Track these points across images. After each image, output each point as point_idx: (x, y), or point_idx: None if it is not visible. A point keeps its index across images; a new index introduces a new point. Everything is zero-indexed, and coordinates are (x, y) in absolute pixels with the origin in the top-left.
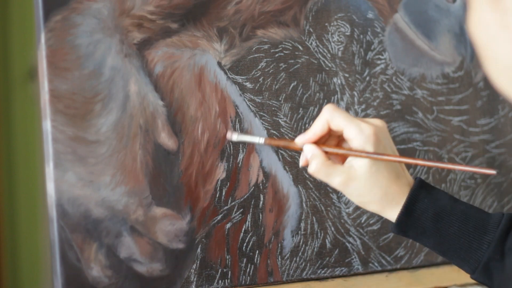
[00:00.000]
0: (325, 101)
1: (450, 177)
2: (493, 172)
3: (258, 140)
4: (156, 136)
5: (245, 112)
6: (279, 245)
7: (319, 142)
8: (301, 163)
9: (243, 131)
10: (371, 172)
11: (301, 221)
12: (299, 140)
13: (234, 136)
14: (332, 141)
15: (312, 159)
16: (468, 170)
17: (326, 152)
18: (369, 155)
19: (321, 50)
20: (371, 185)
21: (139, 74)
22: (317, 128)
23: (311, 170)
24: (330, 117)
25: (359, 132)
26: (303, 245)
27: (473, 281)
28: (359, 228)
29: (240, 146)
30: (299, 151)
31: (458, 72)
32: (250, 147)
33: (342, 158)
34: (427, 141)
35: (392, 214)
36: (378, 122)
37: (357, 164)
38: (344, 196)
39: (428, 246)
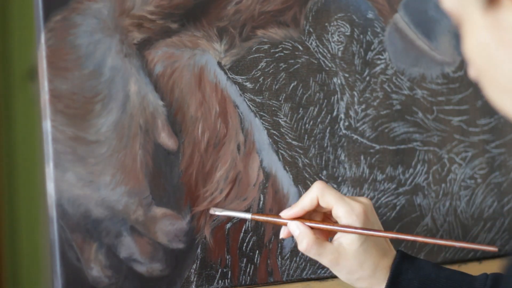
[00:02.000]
0: (325, 101)
1: (450, 177)
2: (494, 249)
3: (244, 215)
4: (156, 136)
5: (245, 112)
6: (279, 245)
7: (304, 216)
8: (282, 235)
9: (243, 131)
10: (360, 251)
11: None
12: (285, 214)
13: (218, 211)
14: (316, 216)
15: (302, 238)
16: (466, 247)
17: (311, 227)
18: (357, 230)
19: (321, 50)
20: (361, 263)
21: (139, 74)
22: (305, 203)
23: (302, 248)
24: (321, 194)
25: (349, 210)
26: None
27: None
28: None
29: (241, 146)
30: (298, 151)
31: (458, 72)
32: (250, 148)
33: (326, 234)
34: (427, 141)
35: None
36: (365, 200)
37: (346, 242)
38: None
39: None
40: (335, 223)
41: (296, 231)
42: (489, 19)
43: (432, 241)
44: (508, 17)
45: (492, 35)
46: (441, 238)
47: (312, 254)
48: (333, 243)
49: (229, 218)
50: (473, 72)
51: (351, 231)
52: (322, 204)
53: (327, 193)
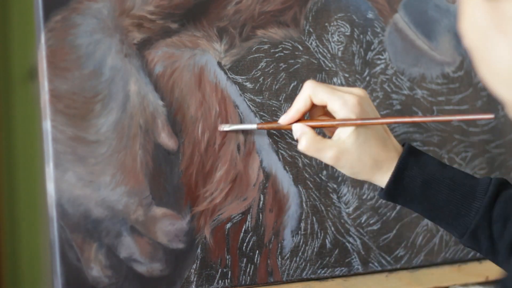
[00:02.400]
0: None
1: None
2: (491, 116)
3: (250, 126)
4: (156, 136)
5: (245, 112)
6: (279, 245)
7: (302, 117)
8: (295, 137)
9: (243, 131)
10: (359, 142)
11: (301, 221)
12: (283, 119)
13: (226, 127)
14: (318, 111)
15: (301, 136)
16: (463, 119)
17: (313, 126)
18: (356, 121)
19: (321, 50)
20: (361, 155)
21: (139, 74)
22: (299, 105)
23: (301, 147)
24: (313, 92)
25: (343, 103)
26: (303, 245)
27: (473, 281)
28: (359, 228)
29: (241, 146)
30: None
31: (458, 72)
32: (250, 148)
33: (331, 130)
34: (427, 141)
35: (381, 180)
36: (359, 91)
37: (344, 135)
38: (344, 196)
39: (417, 212)
40: (334, 118)
41: (297, 133)
42: (488, 4)
43: (428, 119)
44: (508, 7)
45: (490, 21)
46: (436, 115)
47: (312, 151)
48: (332, 139)
49: (229, 218)
50: (466, 44)
51: (347, 123)
52: (316, 101)
53: (318, 90)
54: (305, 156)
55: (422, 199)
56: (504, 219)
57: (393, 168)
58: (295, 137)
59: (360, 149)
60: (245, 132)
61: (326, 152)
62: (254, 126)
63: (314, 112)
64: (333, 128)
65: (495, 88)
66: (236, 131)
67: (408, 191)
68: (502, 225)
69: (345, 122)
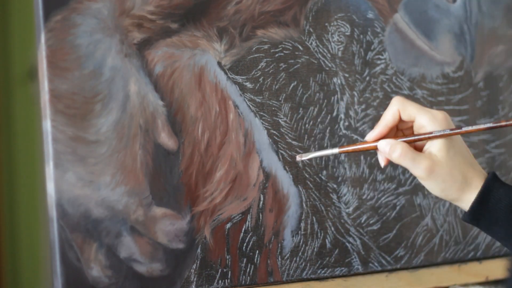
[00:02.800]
0: (325, 101)
1: None
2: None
3: (332, 151)
4: (156, 136)
5: (245, 112)
6: (279, 245)
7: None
8: (382, 163)
9: (244, 129)
10: (450, 155)
11: (301, 221)
12: (370, 136)
13: (304, 156)
14: (399, 132)
15: (394, 147)
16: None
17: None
18: (449, 132)
19: (321, 50)
20: (452, 169)
21: (139, 74)
22: (388, 119)
23: (396, 155)
24: (402, 107)
25: (432, 118)
26: (303, 245)
27: (473, 281)
28: (359, 228)
29: (241, 146)
30: (298, 151)
31: (458, 72)
32: (250, 148)
33: (416, 149)
34: None
35: (468, 200)
36: (443, 112)
37: (435, 149)
38: (344, 196)
39: (499, 236)
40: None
41: (387, 146)
42: None
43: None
44: None
45: None
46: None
47: (407, 160)
48: (424, 152)
49: (229, 218)
50: None
51: (439, 135)
52: (404, 116)
53: (408, 105)
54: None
55: (506, 222)
56: None
57: (480, 187)
58: (384, 154)
59: (451, 162)
60: (245, 132)
61: (421, 162)
62: (336, 151)
63: (397, 133)
64: (419, 148)
65: None
66: (235, 132)
67: (493, 212)
68: None
69: (436, 135)
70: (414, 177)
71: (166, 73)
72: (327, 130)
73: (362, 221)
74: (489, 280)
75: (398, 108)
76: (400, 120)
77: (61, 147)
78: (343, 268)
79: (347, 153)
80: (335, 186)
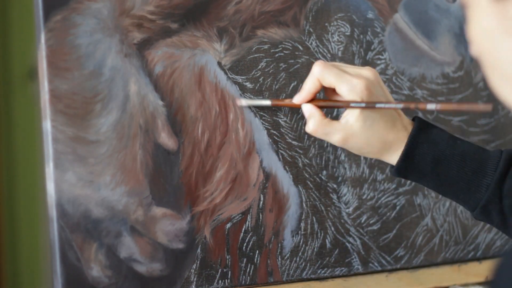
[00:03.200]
0: None
1: None
2: (487, 108)
3: (265, 102)
4: (156, 136)
5: (245, 112)
6: (279, 245)
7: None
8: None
9: (244, 129)
10: (366, 125)
11: (301, 221)
12: (296, 99)
13: (243, 102)
14: (333, 91)
15: (309, 118)
16: (463, 108)
17: (322, 106)
18: (363, 105)
19: (321, 50)
20: (369, 137)
21: (139, 74)
22: (309, 86)
23: (309, 129)
24: (321, 75)
25: (351, 88)
26: (303, 245)
27: (473, 281)
28: (359, 228)
29: (241, 145)
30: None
31: (458, 72)
32: (250, 148)
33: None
34: None
35: (391, 159)
36: (369, 73)
37: (352, 119)
38: (344, 196)
39: (428, 187)
40: (343, 100)
41: (307, 113)
42: (496, 7)
43: (431, 106)
44: None
45: (497, 23)
46: (439, 102)
47: (320, 133)
48: (340, 122)
49: (229, 218)
50: (474, 51)
51: (353, 106)
52: (325, 84)
53: (326, 73)
54: (305, 156)
55: (433, 176)
56: None
57: (403, 147)
58: (305, 117)
59: (368, 132)
60: (245, 132)
61: (334, 135)
62: (268, 102)
63: (329, 91)
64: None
65: (504, 93)
66: (235, 132)
67: (418, 168)
68: None
69: (353, 105)
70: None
71: (166, 73)
72: None
73: (362, 221)
74: (489, 280)
75: (317, 77)
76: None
77: (61, 147)
78: (343, 268)
79: (278, 106)
80: (335, 186)
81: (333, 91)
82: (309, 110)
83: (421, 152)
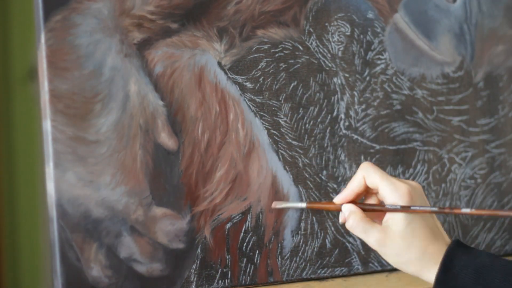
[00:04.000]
0: (325, 101)
1: (450, 177)
2: None
3: (301, 205)
4: (156, 136)
5: (245, 112)
6: (279, 245)
7: (358, 199)
8: (340, 220)
9: (243, 129)
10: (407, 231)
11: (301, 221)
12: (338, 199)
13: (277, 205)
14: (371, 200)
15: (350, 215)
16: (498, 215)
17: (364, 210)
18: (398, 208)
19: (321, 50)
20: (408, 245)
21: (139, 74)
22: (353, 184)
23: (349, 225)
24: (366, 173)
25: (393, 189)
26: (303, 245)
27: None
28: None
29: (241, 145)
30: (298, 151)
31: (458, 72)
32: (250, 148)
33: (381, 218)
34: (427, 141)
35: (430, 275)
36: (414, 183)
37: (392, 223)
38: None
39: None
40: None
41: (347, 212)
42: None
43: (486, 212)
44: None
45: None
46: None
47: (359, 231)
48: (381, 224)
49: (229, 218)
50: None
51: (390, 209)
52: (369, 184)
53: (372, 172)
54: (305, 156)
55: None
56: None
57: (441, 259)
58: (344, 217)
59: (408, 239)
60: (245, 132)
61: (373, 234)
62: (303, 205)
63: (368, 198)
64: (383, 217)
65: None
66: (235, 132)
67: (459, 280)
68: None
69: (393, 208)
70: (414, 178)
71: (166, 73)
72: (327, 130)
73: None
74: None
75: (363, 174)
76: (368, 191)
77: (61, 147)
78: (343, 268)
79: (313, 209)
80: (335, 186)
81: (373, 200)
82: (349, 208)
83: (461, 263)
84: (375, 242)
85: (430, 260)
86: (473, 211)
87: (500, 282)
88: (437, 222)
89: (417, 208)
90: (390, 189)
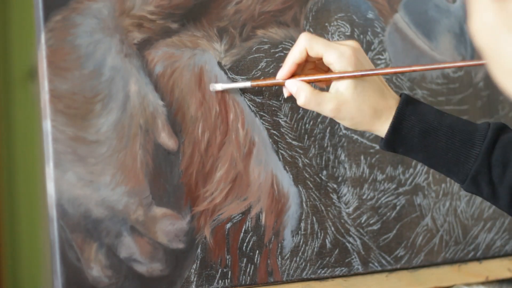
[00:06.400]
0: None
1: None
2: (482, 62)
3: (244, 84)
4: (156, 136)
5: (245, 112)
6: (279, 245)
7: (297, 70)
8: (285, 94)
9: (243, 129)
10: (357, 92)
11: (301, 221)
12: (280, 74)
13: (218, 86)
14: (308, 66)
15: (299, 92)
16: (454, 66)
17: (307, 81)
18: (354, 73)
19: None
20: (360, 105)
21: (139, 74)
22: (295, 56)
23: (301, 102)
24: (309, 44)
25: (339, 55)
26: (303, 245)
27: (473, 281)
28: (359, 228)
29: (241, 145)
30: (298, 151)
31: (458, 72)
32: (250, 148)
33: (324, 84)
34: None
35: (381, 130)
36: (353, 43)
37: (342, 87)
38: (344, 196)
39: (418, 160)
40: (328, 71)
41: (294, 88)
42: (497, 4)
43: (421, 67)
44: None
45: (499, 19)
46: (429, 63)
47: (312, 105)
48: (330, 92)
49: (229, 218)
50: (476, 44)
51: (345, 75)
52: (311, 53)
53: (314, 42)
54: (305, 156)
55: (421, 148)
56: (503, 164)
57: (392, 118)
58: (292, 93)
59: (359, 99)
60: (245, 132)
61: (326, 104)
62: (248, 84)
63: (305, 67)
64: (326, 82)
65: (508, 87)
66: (235, 132)
67: (407, 140)
68: (502, 170)
69: (342, 75)
70: (414, 178)
71: (166, 73)
72: (327, 130)
73: (362, 221)
74: (489, 280)
75: (305, 46)
76: (309, 56)
77: (61, 147)
78: (343, 268)
79: (258, 86)
80: (335, 186)
81: (309, 67)
82: (296, 84)
83: (409, 124)
84: (330, 111)
85: (381, 116)
86: (418, 67)
87: (445, 143)
88: (383, 80)
89: (368, 72)
90: (336, 55)
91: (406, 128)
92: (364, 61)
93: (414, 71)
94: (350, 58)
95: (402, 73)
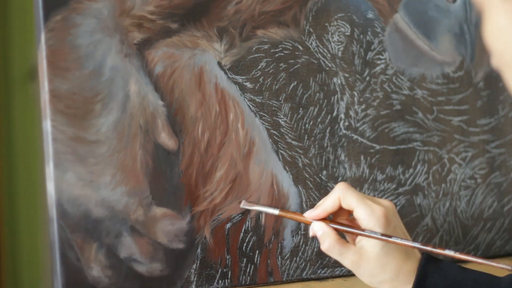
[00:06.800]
0: (325, 101)
1: (450, 177)
2: (508, 267)
3: (273, 211)
4: (156, 136)
5: (245, 112)
6: (279, 245)
7: (330, 216)
8: (310, 234)
9: (243, 129)
10: (382, 253)
11: None
12: (309, 214)
13: (246, 205)
14: (342, 215)
15: (324, 237)
16: (485, 263)
17: (335, 229)
18: (380, 236)
19: (321, 50)
20: (383, 266)
21: (139, 74)
22: (327, 205)
23: (324, 248)
24: (342, 195)
25: (370, 213)
26: (303, 245)
27: None
28: None
29: (241, 145)
30: (298, 151)
31: (458, 72)
32: (251, 148)
33: (353, 237)
34: (427, 141)
35: None
36: (387, 203)
37: (367, 245)
38: None
39: None
40: (359, 227)
41: (319, 231)
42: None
43: (455, 255)
44: None
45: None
46: (467, 253)
47: (334, 254)
48: (356, 245)
49: (229, 218)
50: (494, 61)
51: (371, 235)
52: (344, 205)
53: (348, 195)
54: (305, 156)
55: None
56: None
57: (414, 276)
58: (315, 234)
59: (382, 260)
60: (245, 132)
61: (348, 256)
62: (276, 212)
63: (338, 214)
64: (355, 235)
65: None
66: (235, 132)
67: None
68: None
69: (366, 234)
70: (414, 178)
71: (166, 73)
72: (327, 130)
73: None
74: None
75: (338, 196)
76: (341, 207)
77: (61, 147)
78: (343, 268)
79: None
80: (335, 186)
81: (342, 216)
82: (322, 228)
83: (433, 281)
84: (350, 263)
85: (404, 279)
86: (456, 254)
87: None
88: (408, 237)
89: (398, 240)
90: (366, 212)
91: (430, 285)
92: (396, 222)
93: (446, 255)
94: (379, 218)
95: (431, 252)
